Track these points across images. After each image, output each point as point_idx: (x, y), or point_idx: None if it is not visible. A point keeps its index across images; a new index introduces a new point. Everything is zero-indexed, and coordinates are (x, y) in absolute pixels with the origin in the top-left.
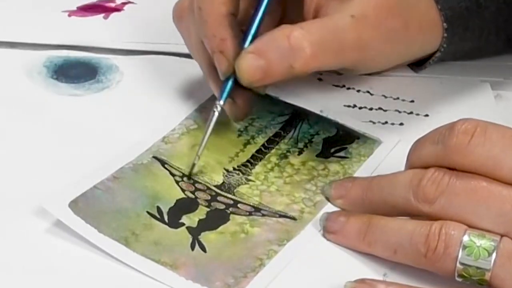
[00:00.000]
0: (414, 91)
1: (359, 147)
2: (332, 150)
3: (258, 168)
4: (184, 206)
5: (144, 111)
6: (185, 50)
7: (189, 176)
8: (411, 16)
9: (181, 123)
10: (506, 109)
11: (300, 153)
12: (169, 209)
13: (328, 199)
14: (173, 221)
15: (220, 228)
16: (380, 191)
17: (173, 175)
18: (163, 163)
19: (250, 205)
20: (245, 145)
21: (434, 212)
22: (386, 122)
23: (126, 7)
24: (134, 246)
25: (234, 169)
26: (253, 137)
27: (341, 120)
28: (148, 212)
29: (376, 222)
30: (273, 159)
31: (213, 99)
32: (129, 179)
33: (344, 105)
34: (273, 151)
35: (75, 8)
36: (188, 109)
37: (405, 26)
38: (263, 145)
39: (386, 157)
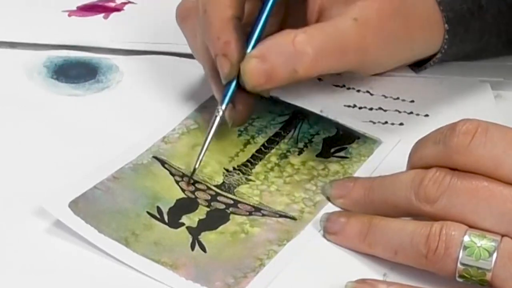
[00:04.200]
0: (414, 91)
1: (359, 147)
2: (332, 150)
3: (258, 168)
4: (184, 206)
5: (144, 111)
6: (185, 50)
7: (190, 179)
8: (413, 18)
9: (181, 123)
10: (506, 109)
11: (300, 153)
12: (169, 209)
13: (328, 198)
14: (173, 221)
15: (220, 228)
16: (382, 191)
17: (173, 175)
18: (163, 163)
19: (250, 205)
20: (245, 145)
21: (435, 212)
22: (386, 122)
23: (126, 7)
24: (134, 246)
25: (234, 169)
26: (253, 137)
27: (341, 120)
28: (148, 212)
29: (376, 223)
30: (273, 159)
31: (213, 99)
32: (129, 179)
33: (344, 105)
34: (273, 151)
35: (75, 8)
36: (188, 109)
37: (407, 28)
38: (263, 145)
39: (386, 157)
